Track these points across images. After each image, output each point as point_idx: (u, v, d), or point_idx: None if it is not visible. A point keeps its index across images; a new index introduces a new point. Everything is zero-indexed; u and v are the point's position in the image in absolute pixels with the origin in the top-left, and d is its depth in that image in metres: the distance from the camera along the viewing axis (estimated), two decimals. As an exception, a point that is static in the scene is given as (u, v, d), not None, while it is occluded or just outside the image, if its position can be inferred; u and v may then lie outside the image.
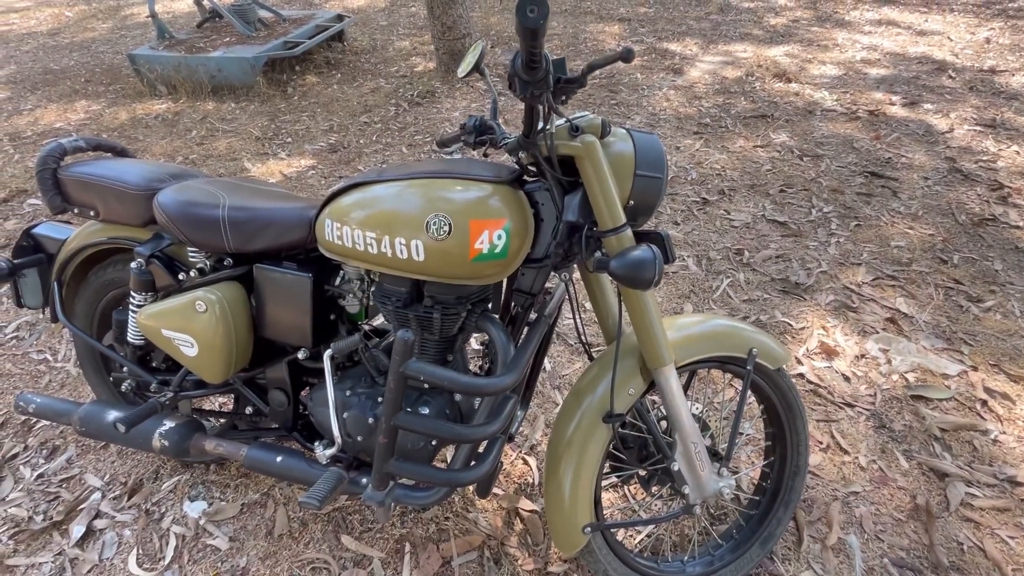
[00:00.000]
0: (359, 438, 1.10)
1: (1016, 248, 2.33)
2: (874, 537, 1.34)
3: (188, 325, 1.10)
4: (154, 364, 1.34)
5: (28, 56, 5.72)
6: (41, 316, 2.12)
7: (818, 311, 2.05)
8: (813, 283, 2.19)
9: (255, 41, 4.47)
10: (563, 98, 0.87)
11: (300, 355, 1.16)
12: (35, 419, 1.65)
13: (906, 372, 1.78)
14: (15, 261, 1.32)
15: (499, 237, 0.93)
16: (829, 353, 1.87)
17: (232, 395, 1.41)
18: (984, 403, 1.67)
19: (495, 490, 1.46)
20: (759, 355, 1.10)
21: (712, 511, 1.39)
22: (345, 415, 1.10)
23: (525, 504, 1.42)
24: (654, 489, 1.16)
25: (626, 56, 0.73)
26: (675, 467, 1.05)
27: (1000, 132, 3.26)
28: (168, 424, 1.21)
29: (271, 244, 1.10)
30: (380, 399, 1.11)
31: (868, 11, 5.63)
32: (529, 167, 1.02)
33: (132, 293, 1.22)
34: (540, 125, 0.88)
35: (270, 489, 1.48)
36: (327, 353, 1.09)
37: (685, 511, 1.08)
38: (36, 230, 1.38)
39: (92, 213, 1.23)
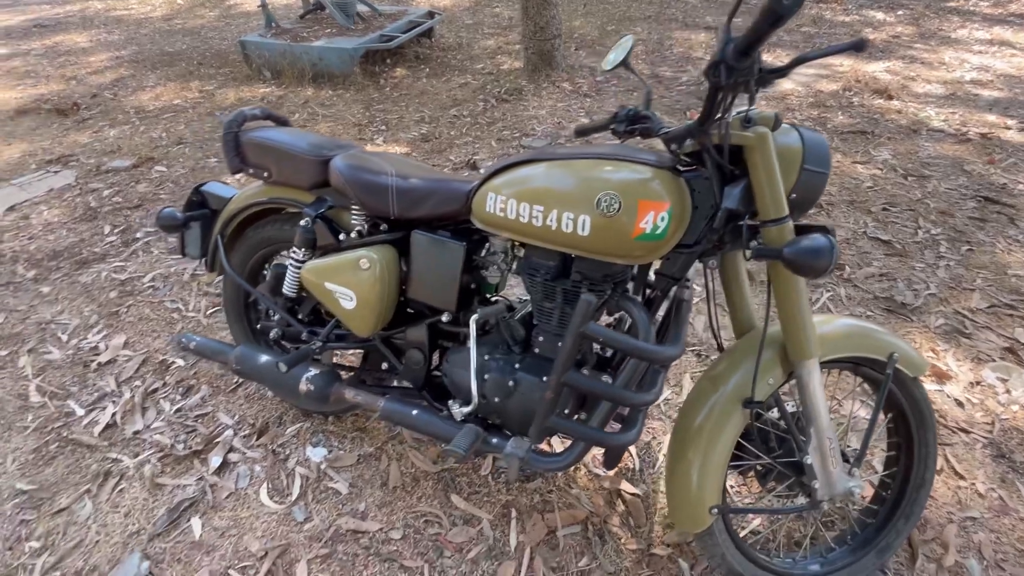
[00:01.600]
0: (496, 399, 1.17)
1: None
2: (995, 565, 1.29)
3: (350, 280, 1.20)
4: (300, 316, 1.46)
5: (146, 39, 6.24)
6: (195, 266, 2.34)
7: (927, 333, 1.98)
8: (921, 304, 2.11)
9: (354, 33, 4.71)
10: (757, 89, 0.90)
11: (444, 318, 1.24)
12: (195, 356, 1.82)
13: (1028, 403, 1.69)
14: (187, 214, 1.48)
15: (662, 219, 0.97)
16: (940, 376, 1.80)
17: (362, 352, 1.51)
18: (1118, 444, 1.57)
19: (596, 470, 1.50)
20: (899, 361, 1.10)
21: (827, 514, 1.37)
22: (485, 377, 1.17)
23: (627, 487, 1.45)
24: (770, 484, 1.17)
25: (859, 46, 0.73)
26: (808, 461, 1.06)
27: None
28: (314, 371, 1.32)
29: (429, 213, 1.19)
30: (517, 364, 1.17)
31: (978, 30, 5.31)
32: (683, 157, 1.06)
33: (294, 249, 1.34)
34: (718, 115, 0.92)
35: (383, 444, 1.58)
36: (473, 318, 1.17)
37: (811, 507, 1.09)
38: (204, 187, 1.54)
39: (265, 174, 1.36)
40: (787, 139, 0.96)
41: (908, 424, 1.18)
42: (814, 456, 1.06)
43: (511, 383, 1.15)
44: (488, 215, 1.10)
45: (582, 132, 1.35)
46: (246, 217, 1.49)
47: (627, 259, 1.02)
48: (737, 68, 0.79)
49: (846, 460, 1.11)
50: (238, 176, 3.06)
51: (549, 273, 1.11)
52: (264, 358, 1.37)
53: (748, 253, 0.97)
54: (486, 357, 1.20)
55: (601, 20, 6.11)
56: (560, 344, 1.00)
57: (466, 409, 1.19)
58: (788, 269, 0.89)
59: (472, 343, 1.16)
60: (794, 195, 0.97)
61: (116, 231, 2.67)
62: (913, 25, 5.55)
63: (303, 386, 1.31)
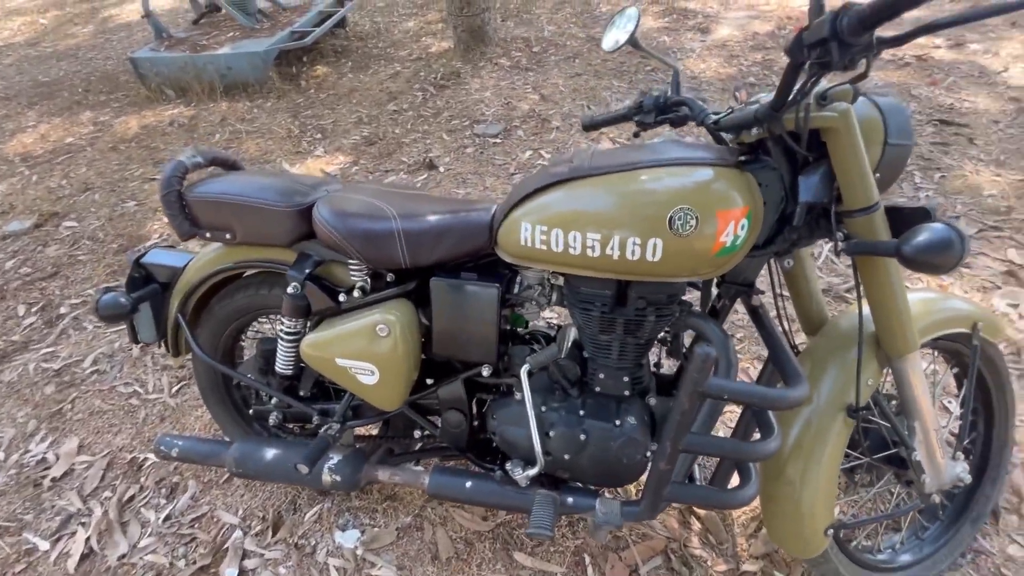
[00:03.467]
0: (566, 456, 1.02)
1: (1112, 187, 2.26)
2: (1068, 503, 1.29)
3: (369, 351, 1.00)
4: (302, 393, 1.24)
5: (12, 70, 5.41)
6: (138, 349, 2.00)
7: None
8: (917, 241, 2.11)
9: (260, 34, 4.24)
10: (870, 65, 0.74)
11: (484, 372, 1.06)
12: (182, 463, 1.52)
13: (1044, 326, 1.71)
14: (133, 295, 1.21)
15: (742, 227, 0.83)
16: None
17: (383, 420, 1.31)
18: None
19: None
20: (983, 329, 1.02)
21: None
22: (551, 433, 1.01)
23: (697, 501, 1.35)
24: (868, 481, 1.09)
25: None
26: (916, 456, 0.98)
27: (1058, 67, 3.16)
28: (336, 457, 1.12)
29: (447, 255, 1.00)
30: (582, 411, 1.02)
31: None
32: (739, 145, 0.92)
33: (284, 319, 1.11)
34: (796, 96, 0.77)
35: (421, 510, 1.40)
36: (524, 369, 1.00)
37: (924, 502, 1.02)
38: (145, 259, 1.26)
39: (228, 236, 1.11)
40: (868, 112, 0.83)
41: (986, 388, 1.12)
42: (921, 450, 0.98)
43: (582, 436, 0.99)
44: (524, 249, 0.92)
45: (592, 126, 1.18)
46: (210, 287, 1.23)
47: (700, 276, 0.87)
48: (854, 45, 0.64)
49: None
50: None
51: (606, 304, 0.95)
52: (270, 453, 1.14)
53: (840, 247, 0.85)
54: (543, 409, 1.04)
55: (521, -15, 5.83)
56: (674, 405, 0.84)
57: (531, 472, 1.03)
58: (907, 267, 0.77)
59: (528, 398, 0.99)
60: (878, 174, 0.85)
61: (34, 310, 2.27)
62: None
63: (327, 478, 1.11)
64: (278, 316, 1.18)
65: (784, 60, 3.47)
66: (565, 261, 0.90)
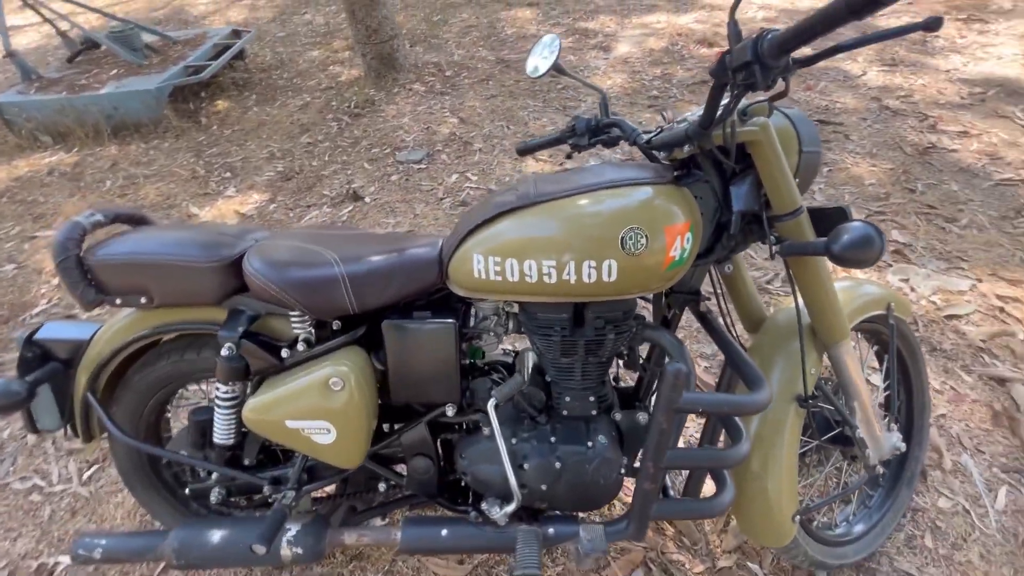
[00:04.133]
0: (543, 487, 1.00)
1: (962, 169, 2.63)
2: (975, 451, 1.45)
3: (323, 408, 0.93)
4: (247, 462, 1.12)
5: None
6: (35, 438, 1.73)
7: (834, 255, 2.18)
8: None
9: (149, 70, 3.93)
10: (788, 83, 0.80)
11: (449, 411, 1.02)
12: (107, 565, 1.30)
13: (931, 296, 1.94)
14: (28, 379, 1.04)
15: (688, 240, 0.87)
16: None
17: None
18: (1001, 309, 1.86)
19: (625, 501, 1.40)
20: (895, 308, 1.13)
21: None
22: (525, 466, 0.98)
23: (666, 506, 1.38)
24: (815, 461, 1.16)
25: (932, 25, 0.65)
26: (859, 433, 1.06)
27: (903, 69, 3.65)
28: (294, 528, 1.02)
29: (397, 295, 0.95)
30: (553, 439, 1.01)
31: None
32: (667, 163, 0.96)
33: (219, 385, 1.01)
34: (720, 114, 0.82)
35: (391, 566, 1.32)
36: (491, 404, 0.97)
37: (871, 474, 1.10)
38: (39, 335, 1.09)
39: (143, 300, 0.99)
40: (780, 124, 0.90)
41: (903, 359, 1.24)
42: (862, 427, 1.06)
43: (557, 464, 0.98)
44: (477, 281, 0.90)
45: (527, 150, 1.19)
46: (124, 358, 1.09)
47: (651, 290, 0.90)
48: (774, 67, 0.69)
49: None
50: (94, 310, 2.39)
51: (566, 327, 0.95)
52: (216, 536, 1.02)
53: (774, 250, 0.90)
54: (513, 440, 1.01)
55: (424, 11, 5.87)
56: (650, 425, 0.84)
57: (508, 509, 1.00)
58: (837, 263, 0.83)
59: (497, 432, 0.97)
60: (797, 180, 0.92)
61: None
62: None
63: (287, 552, 1.01)
64: (210, 381, 1.07)
65: (698, 78, 3.64)
66: (521, 290, 0.89)
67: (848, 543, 1.18)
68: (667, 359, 0.81)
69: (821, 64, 3.83)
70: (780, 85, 0.76)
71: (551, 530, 1.00)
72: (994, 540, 1.27)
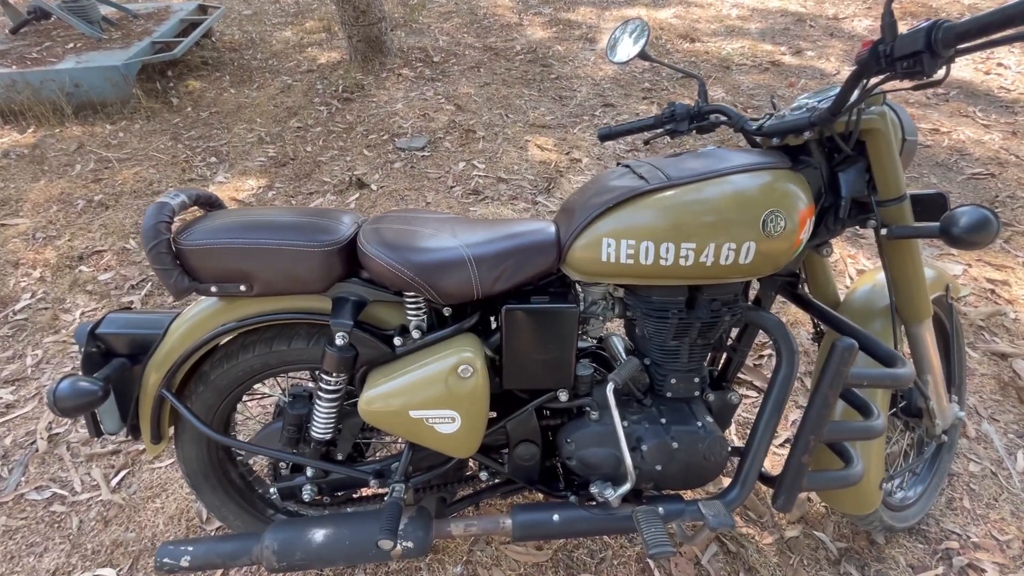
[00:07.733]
0: (657, 467, 1.01)
1: (938, 163, 2.84)
2: (991, 419, 1.59)
3: (450, 397, 0.90)
4: (340, 457, 1.07)
5: None
6: (45, 442, 1.57)
7: (854, 245, 2.32)
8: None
9: (111, 44, 3.62)
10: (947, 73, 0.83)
11: (562, 396, 1.02)
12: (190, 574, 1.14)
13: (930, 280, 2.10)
14: (101, 378, 0.95)
15: (811, 224, 0.90)
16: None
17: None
18: (992, 291, 2.04)
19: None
20: (952, 289, 1.22)
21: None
22: (643, 447, 0.99)
23: (726, 482, 1.43)
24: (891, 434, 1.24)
25: None
26: (931, 405, 1.14)
27: (873, 69, 3.89)
28: (402, 522, 0.99)
29: (518, 279, 0.93)
30: (664, 420, 1.02)
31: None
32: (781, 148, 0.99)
33: (324, 376, 0.96)
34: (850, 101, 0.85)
35: (469, 556, 1.30)
36: (609, 388, 0.97)
37: (939, 443, 1.18)
38: (102, 328, 1.00)
39: (243, 288, 0.92)
40: (888, 113, 0.94)
41: (947, 334, 1.34)
42: (933, 399, 1.14)
43: (674, 444, 1.00)
44: (604, 265, 0.90)
45: (611, 135, 1.19)
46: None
47: (777, 271, 0.93)
48: (943, 56, 0.72)
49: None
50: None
51: (681, 310, 0.97)
52: (320, 534, 0.98)
53: (882, 233, 0.95)
54: (625, 424, 1.02)
55: (400, -5, 5.70)
56: (813, 399, 0.88)
57: (623, 490, 1.01)
58: (953, 246, 0.89)
59: (615, 415, 0.97)
60: (898, 167, 0.97)
61: None
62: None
63: (397, 548, 0.98)
64: (289, 376, 1.01)
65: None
66: (651, 273, 0.89)
67: (908, 507, 1.28)
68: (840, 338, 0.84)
69: (797, 62, 4.03)
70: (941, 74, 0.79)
71: (660, 509, 1.02)
72: (1020, 499, 1.40)
